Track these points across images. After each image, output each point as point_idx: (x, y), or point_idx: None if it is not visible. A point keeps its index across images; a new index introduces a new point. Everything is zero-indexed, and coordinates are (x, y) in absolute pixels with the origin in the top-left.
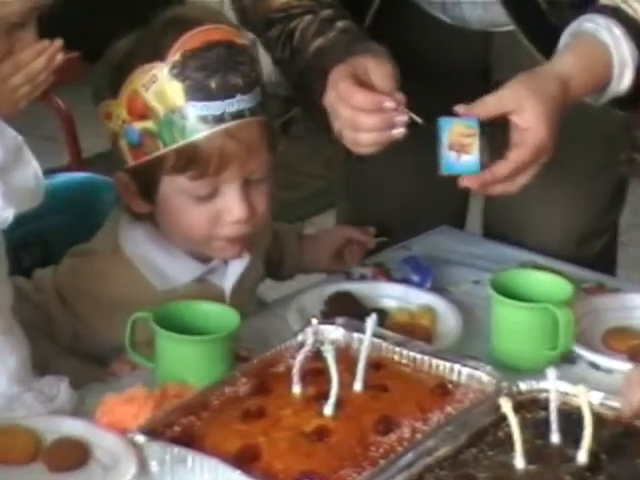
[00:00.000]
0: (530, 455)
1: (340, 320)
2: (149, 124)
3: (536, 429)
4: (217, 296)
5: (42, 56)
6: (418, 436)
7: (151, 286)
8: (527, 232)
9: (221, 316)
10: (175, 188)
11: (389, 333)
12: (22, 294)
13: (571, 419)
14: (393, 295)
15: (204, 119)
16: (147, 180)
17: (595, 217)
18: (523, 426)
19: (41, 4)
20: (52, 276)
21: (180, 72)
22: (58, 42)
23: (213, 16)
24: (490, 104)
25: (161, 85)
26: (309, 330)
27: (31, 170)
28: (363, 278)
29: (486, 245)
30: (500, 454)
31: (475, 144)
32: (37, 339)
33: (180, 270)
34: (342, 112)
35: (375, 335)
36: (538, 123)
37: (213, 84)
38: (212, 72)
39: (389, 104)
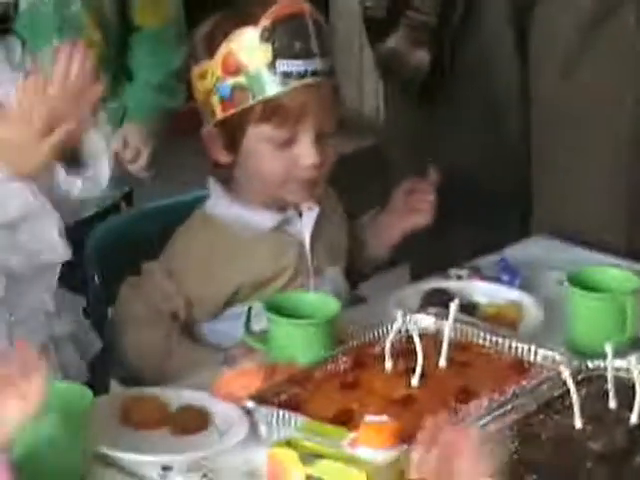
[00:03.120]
0: (589, 417)
1: (432, 310)
2: (241, 79)
3: (597, 398)
4: (297, 246)
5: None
6: (494, 405)
7: (236, 236)
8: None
9: (324, 305)
10: (258, 137)
11: (477, 321)
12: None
13: (628, 389)
14: (484, 292)
15: (289, 75)
16: (233, 132)
17: None
18: (587, 395)
19: None
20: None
21: (270, 35)
22: None
23: None
24: None
25: (253, 45)
26: (403, 318)
27: None
28: (459, 278)
29: (573, 251)
30: (563, 418)
31: None
32: (158, 326)
33: (259, 219)
34: None
35: (465, 322)
36: None
37: (297, 46)
38: (297, 37)
39: None
